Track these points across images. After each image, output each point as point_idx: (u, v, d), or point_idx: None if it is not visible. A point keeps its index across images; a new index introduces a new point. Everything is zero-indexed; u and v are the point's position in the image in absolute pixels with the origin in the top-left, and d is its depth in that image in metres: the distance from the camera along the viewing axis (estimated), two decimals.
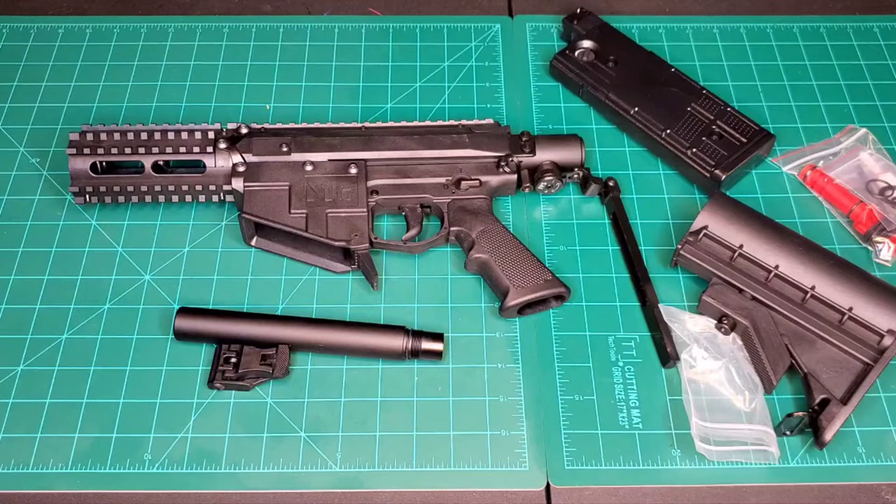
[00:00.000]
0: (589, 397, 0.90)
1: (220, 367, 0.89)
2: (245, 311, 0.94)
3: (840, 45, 1.18)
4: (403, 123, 1.02)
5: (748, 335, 0.90)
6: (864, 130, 1.07)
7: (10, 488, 0.84)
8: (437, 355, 0.91)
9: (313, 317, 0.94)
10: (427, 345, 0.90)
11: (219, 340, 0.91)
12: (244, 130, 1.00)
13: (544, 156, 1.01)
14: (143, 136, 0.98)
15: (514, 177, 0.99)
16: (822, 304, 0.90)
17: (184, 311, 0.91)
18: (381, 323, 0.93)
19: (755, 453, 0.86)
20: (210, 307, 0.94)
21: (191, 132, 0.99)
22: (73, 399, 0.89)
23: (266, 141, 0.99)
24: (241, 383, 0.89)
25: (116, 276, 0.97)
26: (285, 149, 0.98)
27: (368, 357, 0.91)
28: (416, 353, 0.90)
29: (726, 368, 0.89)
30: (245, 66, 1.15)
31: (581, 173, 1.01)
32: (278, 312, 0.94)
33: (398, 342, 0.90)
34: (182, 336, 0.91)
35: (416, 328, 0.92)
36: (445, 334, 0.92)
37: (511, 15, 1.22)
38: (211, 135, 0.99)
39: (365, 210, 0.96)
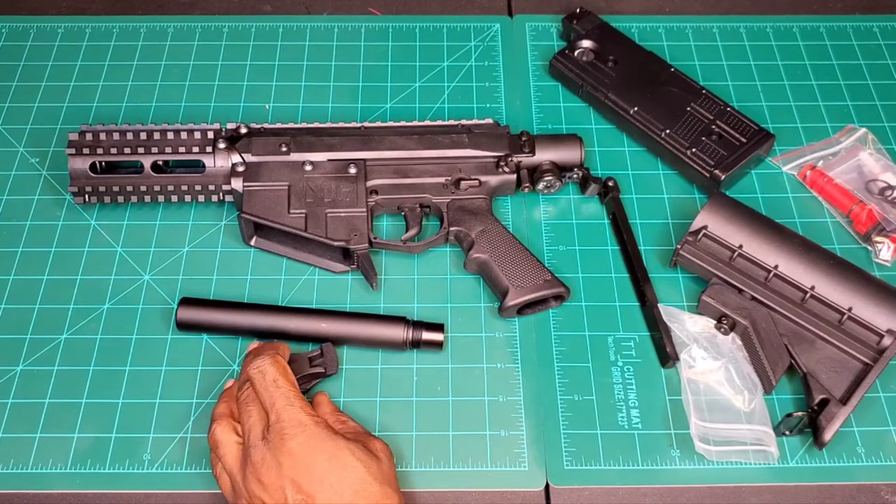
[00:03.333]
0: (588, 397, 0.90)
1: None
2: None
3: (840, 45, 1.18)
4: (403, 123, 1.02)
5: (748, 335, 0.90)
6: (863, 130, 1.07)
7: (10, 488, 0.84)
8: (438, 345, 0.91)
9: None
10: (427, 335, 0.90)
11: (220, 331, 0.90)
12: (243, 130, 1.00)
13: (544, 156, 1.01)
14: (143, 136, 0.98)
15: (514, 177, 0.99)
16: (821, 304, 0.90)
17: (186, 302, 0.91)
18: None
19: (754, 453, 0.86)
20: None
21: (190, 132, 0.99)
22: (73, 399, 0.89)
23: (265, 141, 0.99)
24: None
25: (116, 275, 0.97)
26: (285, 149, 0.98)
27: (369, 347, 0.91)
28: (416, 344, 0.91)
29: (726, 368, 0.89)
30: (245, 66, 1.15)
31: (581, 173, 1.01)
32: None
33: (399, 332, 0.90)
34: (184, 326, 0.91)
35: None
36: (445, 333, 0.92)
37: (511, 15, 1.22)
38: (210, 135, 0.99)
39: (364, 210, 0.96)
